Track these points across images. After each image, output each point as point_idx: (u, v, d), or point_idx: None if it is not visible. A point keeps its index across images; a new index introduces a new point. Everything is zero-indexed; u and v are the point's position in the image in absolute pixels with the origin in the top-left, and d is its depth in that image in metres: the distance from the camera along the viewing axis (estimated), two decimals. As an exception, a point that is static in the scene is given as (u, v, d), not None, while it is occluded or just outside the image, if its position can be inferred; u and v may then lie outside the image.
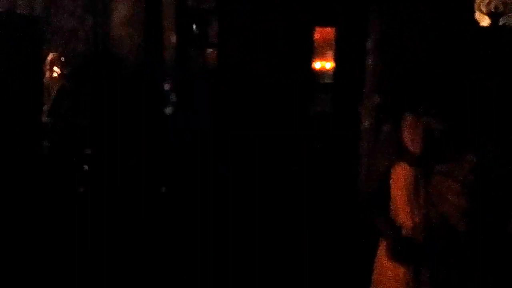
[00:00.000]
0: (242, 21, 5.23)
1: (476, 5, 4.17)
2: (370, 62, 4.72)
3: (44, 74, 4.45)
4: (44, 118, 4.42)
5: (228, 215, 4.49)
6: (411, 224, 1.83)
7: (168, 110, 4.94)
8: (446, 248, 1.80)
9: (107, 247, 4.00)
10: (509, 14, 4.15)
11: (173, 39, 5.12)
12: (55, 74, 4.60)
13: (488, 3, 4.08)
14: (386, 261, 1.93)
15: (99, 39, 4.85)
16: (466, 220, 1.75)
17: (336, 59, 5.34)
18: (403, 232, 1.88)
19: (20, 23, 4.05)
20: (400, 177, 1.84)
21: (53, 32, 4.70)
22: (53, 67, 4.62)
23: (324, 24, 5.47)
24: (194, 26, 5.38)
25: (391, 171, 1.89)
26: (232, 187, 4.66)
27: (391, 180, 1.88)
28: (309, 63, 5.34)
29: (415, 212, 1.82)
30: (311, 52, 5.34)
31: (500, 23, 4.14)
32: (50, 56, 4.65)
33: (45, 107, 4.47)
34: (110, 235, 4.07)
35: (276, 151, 4.59)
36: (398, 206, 1.86)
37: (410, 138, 1.83)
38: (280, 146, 4.63)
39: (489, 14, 4.09)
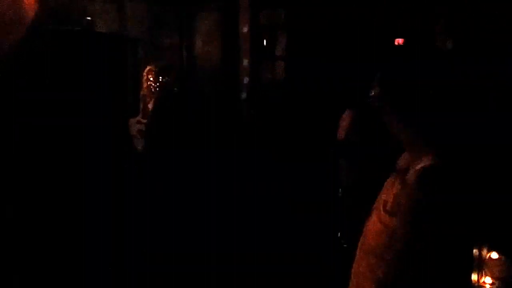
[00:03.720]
0: (308, 36, 5.83)
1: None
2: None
3: (142, 86, 5.15)
4: (141, 126, 5.09)
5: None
6: None
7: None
8: None
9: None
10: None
11: (247, 53, 5.83)
12: (151, 85, 5.18)
13: None
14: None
15: (184, 54, 5.63)
16: None
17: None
18: None
19: (108, 41, 4.66)
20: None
21: (152, 49, 5.46)
22: (149, 78, 5.20)
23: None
24: (265, 41, 6.06)
25: None
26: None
27: None
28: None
29: None
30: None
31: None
32: (146, 68, 5.22)
33: (140, 116, 5.13)
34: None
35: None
36: None
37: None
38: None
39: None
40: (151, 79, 5.22)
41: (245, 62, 5.83)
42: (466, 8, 4.74)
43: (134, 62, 5.24)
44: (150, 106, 5.09)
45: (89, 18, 5.33)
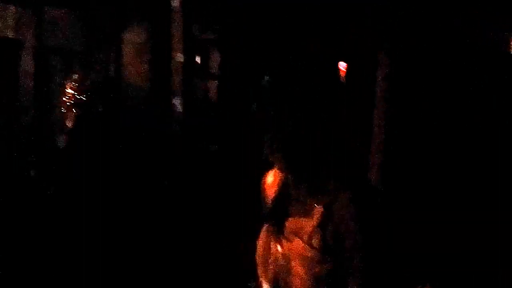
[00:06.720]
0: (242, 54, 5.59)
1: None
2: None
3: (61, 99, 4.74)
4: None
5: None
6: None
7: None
8: None
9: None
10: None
11: (180, 68, 5.47)
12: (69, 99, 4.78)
13: None
14: None
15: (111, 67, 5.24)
16: None
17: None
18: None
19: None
20: (259, 236, 1.69)
21: (77, 60, 5.05)
22: (68, 91, 4.80)
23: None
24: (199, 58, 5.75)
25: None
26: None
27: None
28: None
29: (264, 274, 1.66)
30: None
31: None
32: (67, 80, 4.81)
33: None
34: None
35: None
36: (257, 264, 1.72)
37: (266, 193, 1.73)
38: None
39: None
40: (71, 93, 4.84)
41: (177, 78, 5.48)
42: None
43: (53, 72, 4.83)
44: (68, 123, 4.69)
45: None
